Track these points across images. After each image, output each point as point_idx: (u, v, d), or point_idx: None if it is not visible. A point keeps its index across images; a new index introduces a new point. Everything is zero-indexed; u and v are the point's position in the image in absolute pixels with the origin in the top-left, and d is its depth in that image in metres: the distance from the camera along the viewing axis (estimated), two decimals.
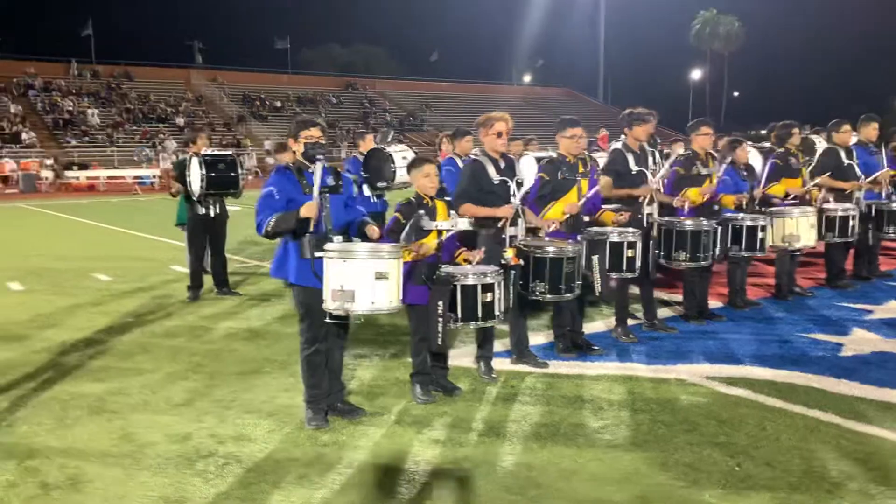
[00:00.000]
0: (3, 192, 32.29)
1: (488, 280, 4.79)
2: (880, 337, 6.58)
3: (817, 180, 8.36)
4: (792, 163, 8.01)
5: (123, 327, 7.19)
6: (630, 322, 6.99)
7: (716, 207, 7.01)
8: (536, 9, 72.20)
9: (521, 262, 5.26)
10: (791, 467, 4.05)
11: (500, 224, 5.37)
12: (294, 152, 4.77)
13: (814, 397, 5.09)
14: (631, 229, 5.89)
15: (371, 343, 6.51)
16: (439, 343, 4.83)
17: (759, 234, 6.82)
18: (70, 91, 48.29)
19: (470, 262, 5.16)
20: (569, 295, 5.36)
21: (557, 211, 5.83)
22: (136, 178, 34.65)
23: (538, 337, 6.58)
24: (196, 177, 7.93)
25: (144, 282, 9.56)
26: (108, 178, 35.34)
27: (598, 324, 7.09)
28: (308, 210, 4.34)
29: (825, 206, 7.93)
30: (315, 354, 4.63)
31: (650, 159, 6.61)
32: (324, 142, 4.65)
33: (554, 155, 6.16)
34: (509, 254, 5.22)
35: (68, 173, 34.63)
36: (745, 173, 7.51)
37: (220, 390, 5.35)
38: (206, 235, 8.40)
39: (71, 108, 45.84)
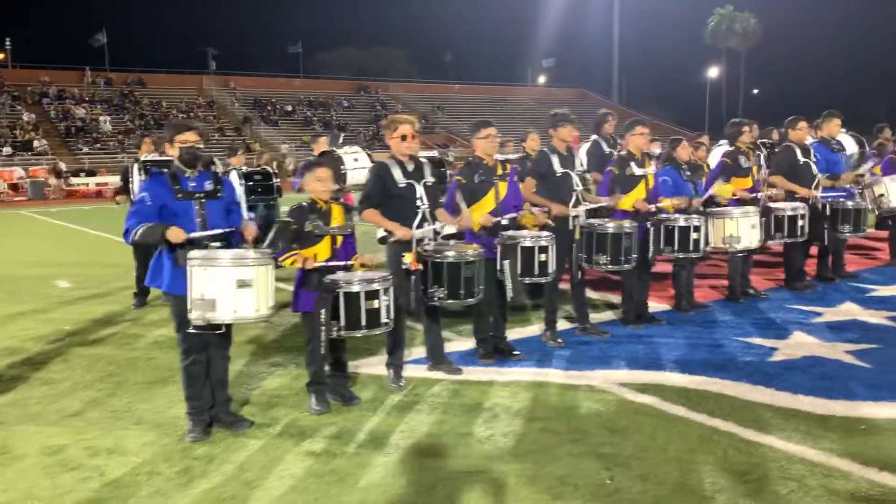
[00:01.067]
0: (12, 199, 32.75)
1: (374, 287, 4.67)
2: (818, 341, 6.36)
3: (771, 181, 8.16)
4: (741, 161, 7.81)
5: (56, 335, 7.17)
6: (566, 326, 6.87)
7: (653, 209, 6.83)
8: (551, 9, 71.93)
9: (421, 266, 5.14)
10: (666, 479, 3.89)
11: (393, 238, 5.26)
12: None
13: (721, 405, 4.91)
14: (545, 233, 5.74)
15: (293, 350, 6.40)
16: (322, 352, 4.72)
17: (693, 235, 6.62)
18: (83, 99, 48.92)
19: (366, 267, 5.06)
20: (470, 300, 5.22)
21: (476, 215, 5.69)
22: None
23: (469, 342, 6.40)
24: (136, 183, 7.89)
25: (101, 289, 9.55)
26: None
27: (533, 328, 6.92)
28: (174, 235, 4.26)
29: (773, 205, 7.69)
30: (193, 365, 4.54)
31: (576, 161, 6.44)
32: (201, 146, 4.56)
33: (470, 159, 6.02)
34: (408, 258, 5.11)
35: (74, 180, 34.96)
36: (688, 173, 7.31)
37: (119, 400, 5.29)
38: None
39: (83, 116, 46.41)
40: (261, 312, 4.17)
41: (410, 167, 5.45)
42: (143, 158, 8.04)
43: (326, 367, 5.09)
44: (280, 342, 6.73)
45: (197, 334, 4.42)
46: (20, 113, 45.15)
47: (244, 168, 9.21)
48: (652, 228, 6.66)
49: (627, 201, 6.60)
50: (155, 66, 56.29)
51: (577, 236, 6.21)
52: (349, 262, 4.98)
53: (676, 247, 6.63)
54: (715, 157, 10.48)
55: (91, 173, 36.92)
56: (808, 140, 8.68)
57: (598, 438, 4.42)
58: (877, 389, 5.14)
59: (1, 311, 8.30)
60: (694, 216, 6.74)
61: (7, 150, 40.46)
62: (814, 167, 8.26)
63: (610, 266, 6.12)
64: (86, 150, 42.68)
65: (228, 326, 4.56)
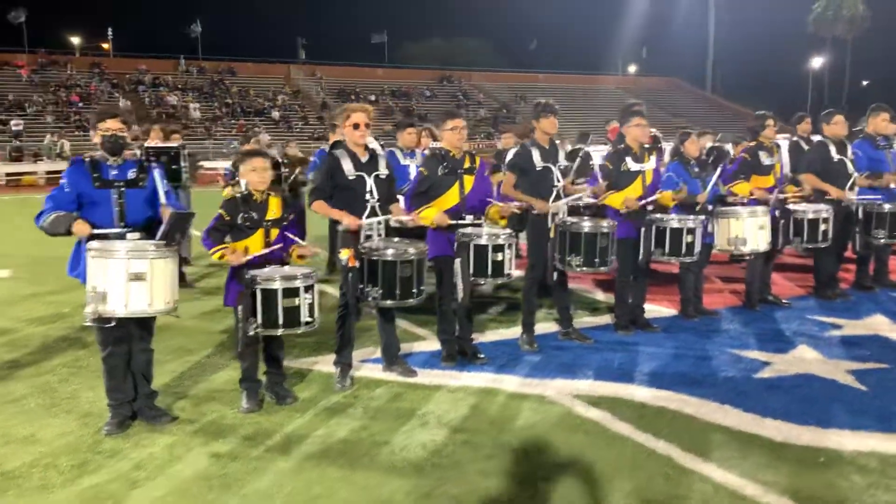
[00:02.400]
0: None
1: (294, 284, 4.46)
2: (822, 357, 5.78)
3: (801, 179, 7.52)
4: (762, 158, 7.18)
5: (51, 318, 7.31)
6: (553, 329, 6.50)
7: (650, 208, 6.36)
8: None
9: (357, 263, 4.90)
10: None
11: (341, 227, 5.04)
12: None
13: (674, 425, 4.49)
14: (505, 231, 5.39)
15: None
16: (239, 350, 4.57)
17: (686, 238, 6.11)
18: (176, 86, 50.76)
19: (305, 259, 4.89)
20: (409, 301, 4.94)
21: (432, 214, 5.41)
22: (226, 169, 35.92)
23: (435, 343, 6.13)
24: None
25: None
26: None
27: (517, 329, 6.55)
28: (79, 229, 4.18)
29: (793, 206, 7.05)
30: (110, 357, 4.46)
31: (559, 155, 6.04)
32: (123, 134, 4.44)
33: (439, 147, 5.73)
34: (344, 255, 4.88)
35: None
36: (696, 169, 6.77)
37: (67, 387, 5.29)
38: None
39: (175, 103, 48.17)
40: (155, 307, 4.03)
41: (364, 158, 5.22)
42: (146, 146, 8.10)
43: (262, 365, 4.95)
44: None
45: (114, 326, 4.33)
46: (117, 100, 47.28)
47: None
48: (643, 229, 6.21)
49: (617, 198, 6.16)
50: (246, 56, 57.87)
51: (551, 234, 5.83)
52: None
53: (667, 249, 6.14)
54: None
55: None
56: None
57: (518, 455, 4.10)
58: (860, 416, 4.59)
59: (18, 292, 8.56)
60: (689, 217, 6.22)
61: None
62: (849, 165, 7.54)
63: (584, 268, 5.71)
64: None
65: (147, 319, 4.48)
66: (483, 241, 5.24)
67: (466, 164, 5.61)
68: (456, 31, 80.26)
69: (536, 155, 5.94)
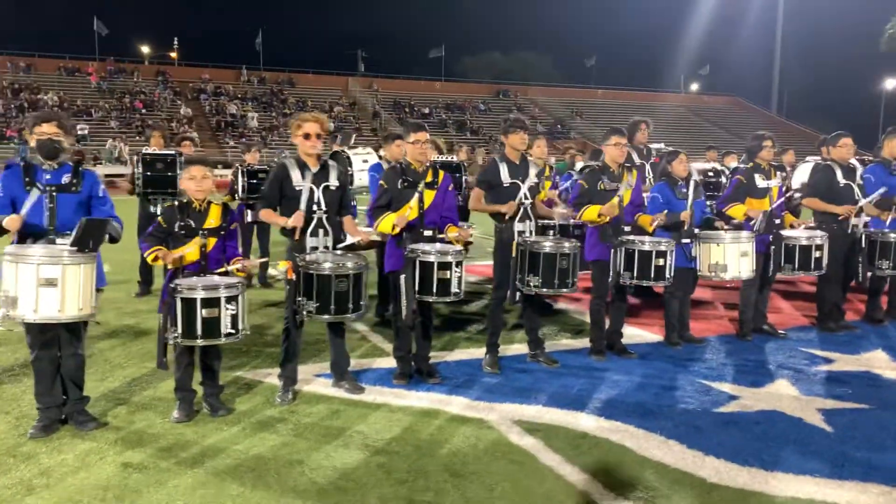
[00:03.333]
0: None
1: (215, 295, 4.39)
2: (797, 393, 5.44)
3: (805, 203, 7.17)
4: (758, 180, 6.83)
5: None
6: (524, 351, 6.29)
7: (627, 228, 6.13)
8: (706, 13, 68.65)
9: (294, 276, 4.81)
10: None
11: (296, 235, 4.97)
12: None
13: (608, 458, 4.26)
14: (454, 248, 5.23)
15: (240, 354, 6.19)
16: (159, 360, 4.52)
17: (657, 261, 5.83)
18: (236, 95, 51.95)
19: (244, 273, 4.82)
20: (345, 315, 4.83)
21: (387, 224, 5.31)
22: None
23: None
24: (139, 174, 8.10)
25: (125, 275, 9.84)
26: None
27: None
28: (10, 224, 4.20)
29: (785, 232, 6.68)
30: (38, 361, 4.46)
31: (530, 171, 5.86)
32: (59, 138, 4.46)
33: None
34: (282, 266, 4.80)
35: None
36: (683, 190, 6.49)
37: (17, 387, 5.33)
38: None
39: (234, 112, 49.28)
40: (67, 314, 4.00)
41: (314, 169, 5.14)
42: (143, 152, 8.20)
43: (199, 375, 4.90)
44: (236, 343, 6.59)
45: (40, 330, 4.34)
46: (179, 107, 48.68)
47: (251, 165, 9.22)
48: (613, 251, 5.97)
49: (593, 211, 5.93)
50: (306, 67, 58.86)
51: (513, 254, 5.64)
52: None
53: (636, 273, 5.88)
54: (800, 174, 9.39)
55: (228, 166, 39.03)
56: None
57: (430, 482, 3.93)
58: (811, 459, 4.28)
59: None
60: (661, 240, 5.95)
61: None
62: (857, 191, 7.13)
63: (543, 289, 5.50)
64: (231, 143, 45.24)
65: (77, 325, 4.47)
66: (430, 258, 5.09)
67: (429, 178, 5.48)
68: (514, 46, 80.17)
69: (504, 171, 5.78)
